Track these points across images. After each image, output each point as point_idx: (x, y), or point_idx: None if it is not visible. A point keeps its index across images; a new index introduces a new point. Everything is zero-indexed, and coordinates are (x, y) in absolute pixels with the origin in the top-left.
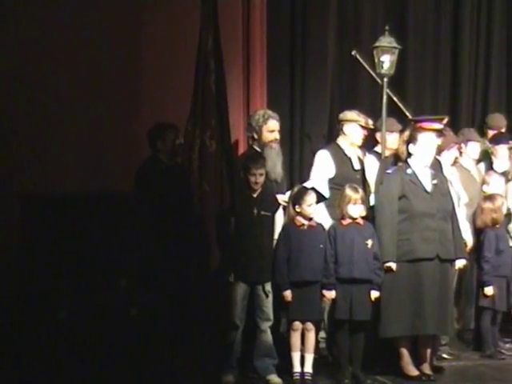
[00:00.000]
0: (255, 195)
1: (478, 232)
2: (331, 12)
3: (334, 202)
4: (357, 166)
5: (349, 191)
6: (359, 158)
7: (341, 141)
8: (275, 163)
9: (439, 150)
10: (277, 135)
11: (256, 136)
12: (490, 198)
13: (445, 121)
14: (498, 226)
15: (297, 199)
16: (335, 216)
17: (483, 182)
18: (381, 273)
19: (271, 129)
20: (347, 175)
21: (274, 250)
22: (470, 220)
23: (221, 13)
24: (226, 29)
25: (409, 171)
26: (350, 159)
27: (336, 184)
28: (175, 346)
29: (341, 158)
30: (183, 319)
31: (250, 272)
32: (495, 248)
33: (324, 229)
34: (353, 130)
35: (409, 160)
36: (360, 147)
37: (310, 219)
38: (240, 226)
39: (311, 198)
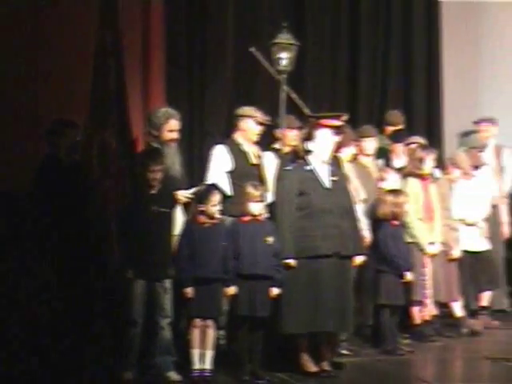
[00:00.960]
0: (154, 192)
1: (375, 227)
2: (229, 9)
3: (233, 198)
4: (254, 161)
5: (250, 189)
6: (255, 154)
7: (237, 136)
8: (174, 161)
9: (338, 147)
10: (176, 135)
11: (156, 133)
12: (394, 192)
13: (344, 118)
14: (396, 222)
15: (201, 198)
16: (234, 212)
17: (380, 179)
18: (281, 269)
19: (171, 128)
20: (244, 170)
21: (175, 246)
22: (368, 216)
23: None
24: (124, 27)
25: (308, 168)
26: (246, 154)
27: (233, 179)
28: (76, 343)
29: (237, 153)
30: (83, 317)
31: (148, 269)
32: (391, 245)
33: (226, 226)
34: (249, 126)
35: (308, 157)
36: (256, 143)
37: (213, 217)
38: (139, 223)
39: (216, 198)
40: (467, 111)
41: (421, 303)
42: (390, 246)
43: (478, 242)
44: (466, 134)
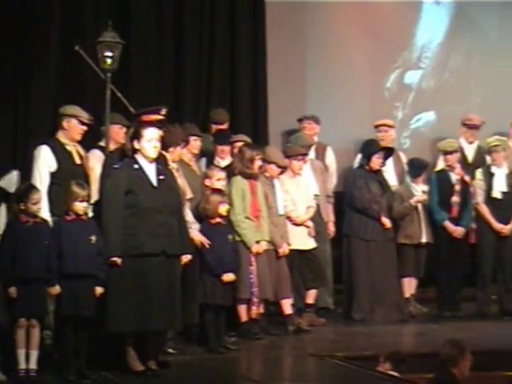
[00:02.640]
0: None
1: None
2: (55, 6)
3: (56, 197)
4: (78, 161)
5: (75, 188)
6: (79, 153)
7: (61, 135)
8: None
9: (166, 146)
10: None
11: None
12: (217, 191)
13: (163, 111)
14: (213, 220)
15: (21, 197)
16: (58, 212)
17: (206, 177)
18: (105, 268)
19: None
20: (69, 170)
21: None
22: (194, 215)
23: None
24: None
25: (135, 166)
26: (70, 154)
27: (58, 179)
28: None
29: (61, 152)
30: None
31: None
32: (213, 242)
33: (49, 225)
34: (72, 125)
35: (135, 155)
36: (80, 142)
37: (35, 216)
38: None
39: (36, 196)
40: (292, 110)
41: (248, 301)
42: (211, 243)
43: (305, 241)
44: (292, 132)
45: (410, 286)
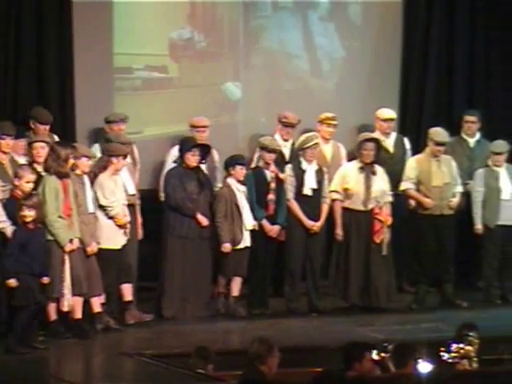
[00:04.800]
0: None
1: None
2: None
3: None
4: None
5: None
6: None
7: None
8: None
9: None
10: None
11: None
12: (25, 195)
13: None
14: (32, 225)
15: None
16: None
17: (15, 175)
18: None
19: None
20: None
21: None
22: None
23: None
24: None
25: None
26: None
27: None
28: None
29: None
30: None
31: None
32: (19, 243)
33: None
34: None
35: None
36: None
37: None
38: None
39: None
40: (99, 110)
41: (58, 300)
42: (25, 249)
43: (117, 238)
44: (99, 132)
45: (222, 284)
